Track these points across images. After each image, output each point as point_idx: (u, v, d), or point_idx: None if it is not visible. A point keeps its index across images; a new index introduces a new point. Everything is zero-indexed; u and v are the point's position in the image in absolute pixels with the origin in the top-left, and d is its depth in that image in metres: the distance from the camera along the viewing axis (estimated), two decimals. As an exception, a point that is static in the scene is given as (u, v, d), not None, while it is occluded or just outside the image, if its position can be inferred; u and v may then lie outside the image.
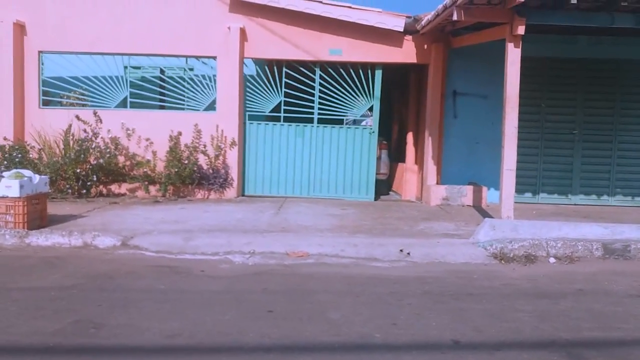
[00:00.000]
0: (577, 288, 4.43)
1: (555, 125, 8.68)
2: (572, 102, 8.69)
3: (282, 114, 8.69)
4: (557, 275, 4.84)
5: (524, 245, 5.44)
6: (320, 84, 8.65)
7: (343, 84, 8.61)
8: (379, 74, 8.62)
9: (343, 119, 8.80)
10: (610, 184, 8.76)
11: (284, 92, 8.66)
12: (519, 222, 6.01)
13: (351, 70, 8.57)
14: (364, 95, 8.68)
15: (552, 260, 5.30)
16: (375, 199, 9.03)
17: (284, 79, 8.62)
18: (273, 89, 8.67)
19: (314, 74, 8.62)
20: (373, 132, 8.76)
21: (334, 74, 8.59)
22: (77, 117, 8.22)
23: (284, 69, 8.60)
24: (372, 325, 3.46)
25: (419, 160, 9.36)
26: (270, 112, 8.77)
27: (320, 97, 8.67)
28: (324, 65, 8.61)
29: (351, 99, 8.68)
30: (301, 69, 8.58)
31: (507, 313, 3.76)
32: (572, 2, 5.71)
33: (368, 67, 8.59)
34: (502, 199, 6.36)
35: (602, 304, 4.01)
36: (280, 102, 8.67)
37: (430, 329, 3.44)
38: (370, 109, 8.77)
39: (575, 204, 8.66)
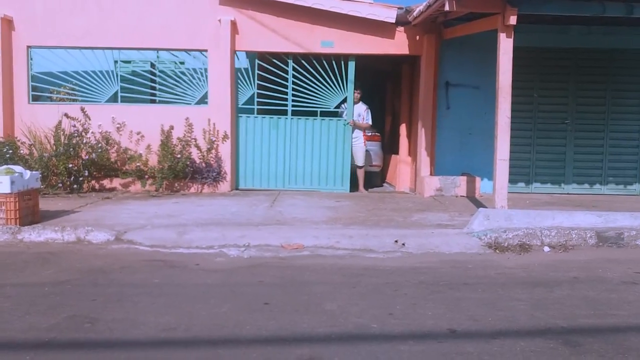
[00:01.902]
0: (572, 276, 4.45)
1: (548, 115, 8.71)
2: (564, 91, 8.72)
3: (255, 106, 8.63)
4: (552, 263, 4.86)
5: (518, 235, 5.46)
6: (295, 76, 8.58)
7: (317, 75, 8.55)
8: (352, 65, 8.57)
9: (317, 111, 8.69)
10: (603, 173, 8.82)
11: (258, 84, 8.61)
12: (513, 211, 6.03)
13: (324, 62, 8.51)
14: (338, 86, 8.63)
15: (546, 249, 5.32)
16: (368, 190, 9.06)
17: (256, 71, 8.55)
18: (249, 81, 8.63)
19: (287, 66, 8.55)
20: (347, 123, 8.72)
21: (307, 65, 8.52)
22: (66, 115, 8.11)
23: (257, 61, 8.53)
24: (368, 315, 3.46)
25: (412, 152, 9.37)
26: (254, 104, 8.69)
27: (294, 89, 8.60)
28: (297, 57, 8.55)
29: (325, 91, 8.63)
30: (274, 60, 8.52)
31: (503, 302, 3.77)
32: (564, -9, 5.71)
33: (341, 58, 8.54)
34: (496, 189, 6.37)
35: (597, 291, 4.04)
36: (253, 94, 8.62)
37: (427, 318, 3.44)
38: (344, 101, 8.72)
39: (568, 193, 8.71)
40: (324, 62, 8.52)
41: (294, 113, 8.70)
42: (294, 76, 8.60)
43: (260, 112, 8.73)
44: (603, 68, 8.71)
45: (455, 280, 4.27)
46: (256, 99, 8.65)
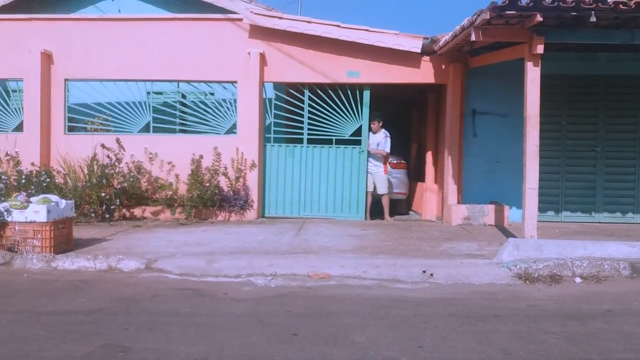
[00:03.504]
0: (606, 309, 4.34)
1: (577, 143, 8.61)
2: (594, 119, 8.62)
3: (272, 135, 8.80)
4: (584, 295, 4.75)
5: (549, 265, 5.36)
6: (311, 105, 8.71)
7: (332, 104, 8.66)
8: (367, 93, 8.66)
9: (333, 139, 8.77)
10: (635, 201, 8.61)
11: (276, 114, 8.82)
12: (543, 241, 5.94)
13: (339, 91, 8.62)
14: (354, 115, 8.72)
15: (578, 280, 5.21)
16: (392, 218, 9.02)
17: (274, 101, 8.76)
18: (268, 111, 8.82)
19: (303, 95, 8.70)
20: (362, 151, 8.77)
21: (323, 94, 8.65)
22: (103, 145, 8.38)
23: (274, 92, 8.74)
24: (397, 348, 3.44)
25: (439, 180, 9.33)
26: (271, 133, 8.86)
27: (310, 118, 8.74)
28: (312, 87, 8.69)
29: (340, 119, 8.72)
30: (291, 90, 8.73)
31: (535, 335, 3.70)
32: (592, 20, 5.71)
33: (356, 87, 8.63)
34: (525, 218, 6.30)
35: (633, 325, 3.93)
36: (271, 123, 8.80)
37: (457, 351, 3.40)
38: (360, 129, 8.75)
39: (599, 222, 8.53)
40: (339, 91, 8.64)
41: (310, 141, 8.82)
42: (309, 105, 8.74)
43: (281, 140, 8.89)
44: (633, 95, 8.60)
45: (485, 312, 4.21)
46: (273, 128, 8.81)
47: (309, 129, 8.79)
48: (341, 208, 8.85)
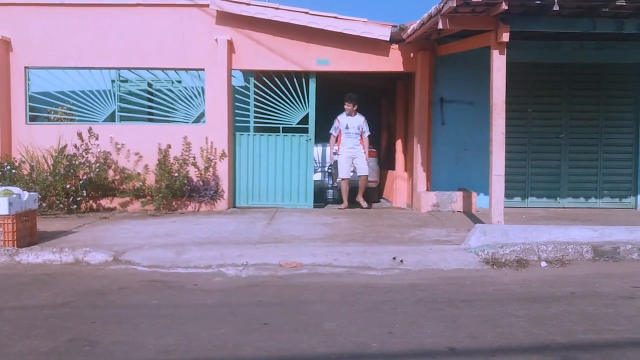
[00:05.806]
0: (569, 291, 4.47)
1: (542, 130, 8.79)
2: (558, 106, 8.81)
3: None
4: (549, 278, 4.88)
5: (515, 250, 5.48)
6: (257, 93, 8.66)
7: (279, 92, 8.62)
8: (312, 81, 8.65)
9: (280, 127, 8.76)
10: (598, 187, 8.87)
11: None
12: (510, 226, 6.06)
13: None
14: (300, 103, 8.70)
15: (543, 264, 5.35)
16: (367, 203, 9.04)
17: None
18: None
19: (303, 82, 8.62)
20: (309, 139, 8.76)
21: (269, 82, 8.61)
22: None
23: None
24: (367, 334, 3.47)
25: (409, 167, 9.42)
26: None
27: (256, 106, 8.71)
28: (259, 75, 8.62)
29: (287, 107, 8.69)
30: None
31: (501, 318, 3.79)
32: (555, 8, 5.81)
33: (302, 75, 8.60)
34: (492, 204, 6.41)
35: (594, 307, 4.05)
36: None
37: (426, 336, 3.45)
38: (306, 117, 8.75)
39: (563, 207, 8.76)
40: (286, 79, 8.59)
41: (257, 129, 8.78)
42: (255, 93, 8.68)
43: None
44: (595, 82, 8.82)
45: (453, 297, 4.28)
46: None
47: (255, 117, 8.72)
48: (290, 196, 8.81)
